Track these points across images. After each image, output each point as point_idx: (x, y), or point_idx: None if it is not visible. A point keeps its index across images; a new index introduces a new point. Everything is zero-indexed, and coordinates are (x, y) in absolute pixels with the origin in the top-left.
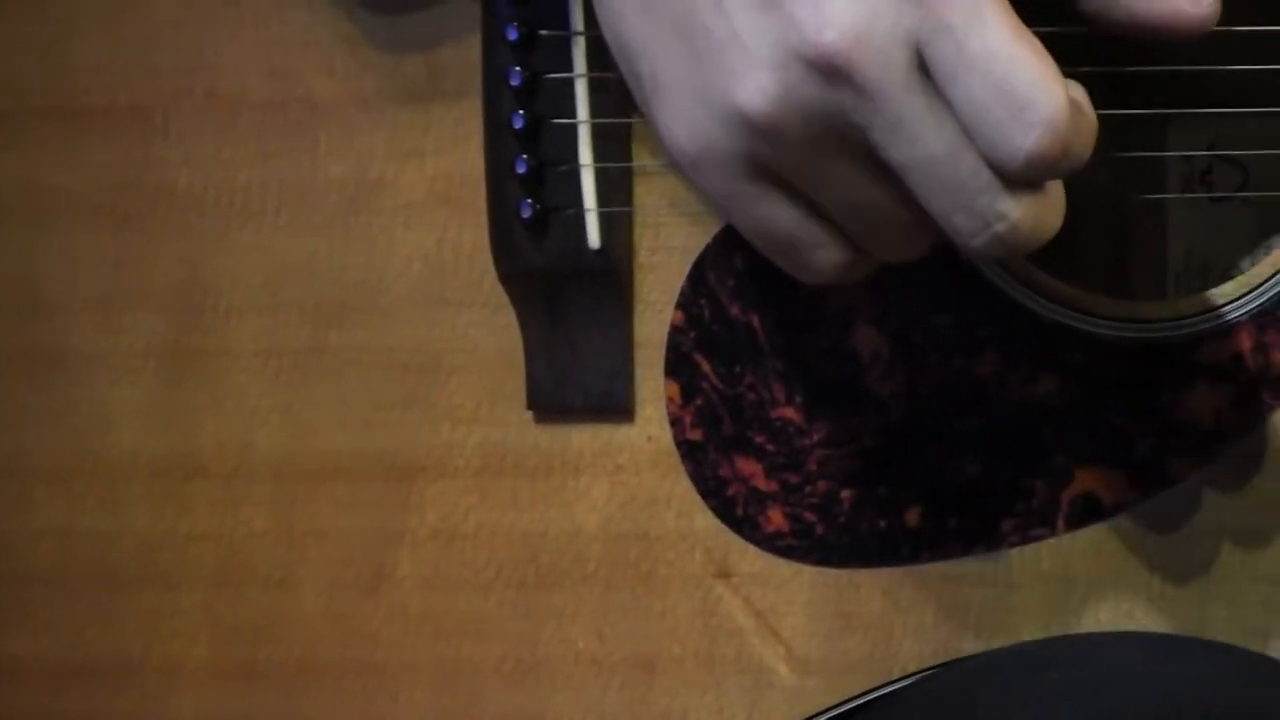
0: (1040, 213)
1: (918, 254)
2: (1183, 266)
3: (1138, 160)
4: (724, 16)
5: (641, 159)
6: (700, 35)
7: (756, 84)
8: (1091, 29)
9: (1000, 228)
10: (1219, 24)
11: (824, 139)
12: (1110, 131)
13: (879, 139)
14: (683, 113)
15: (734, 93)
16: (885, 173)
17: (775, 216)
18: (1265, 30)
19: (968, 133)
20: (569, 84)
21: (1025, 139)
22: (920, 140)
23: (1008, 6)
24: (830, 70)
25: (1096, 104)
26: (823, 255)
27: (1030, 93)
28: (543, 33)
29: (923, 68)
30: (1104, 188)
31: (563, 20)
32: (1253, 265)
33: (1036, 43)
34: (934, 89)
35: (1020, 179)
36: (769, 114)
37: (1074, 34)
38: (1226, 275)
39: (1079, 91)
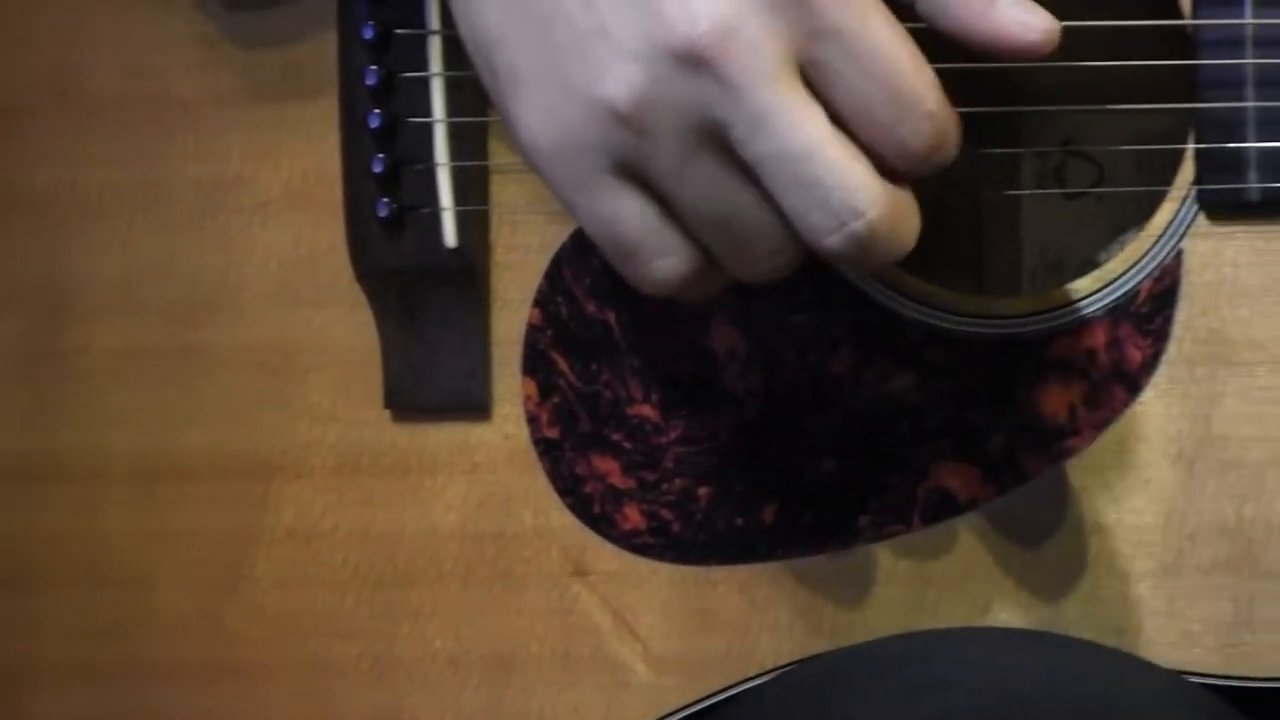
0: (897, 217)
1: (771, 273)
2: (1038, 262)
3: (993, 157)
4: (591, 9)
5: (498, 157)
6: (565, 27)
7: (623, 75)
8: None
9: (857, 226)
10: (1072, 19)
11: (687, 133)
12: (966, 129)
13: (740, 134)
14: (541, 104)
15: (600, 83)
16: (746, 176)
17: (626, 215)
18: (1116, 25)
19: (852, 131)
20: (425, 83)
21: (916, 136)
22: (781, 135)
23: (887, 10)
24: (697, 63)
25: (953, 101)
26: (668, 264)
27: (916, 91)
28: (398, 31)
29: (796, 65)
30: (960, 185)
31: (419, 19)
32: (1107, 260)
33: (914, 43)
34: (802, 85)
35: (905, 174)
36: (633, 105)
37: (930, 32)
38: (1081, 271)
39: None
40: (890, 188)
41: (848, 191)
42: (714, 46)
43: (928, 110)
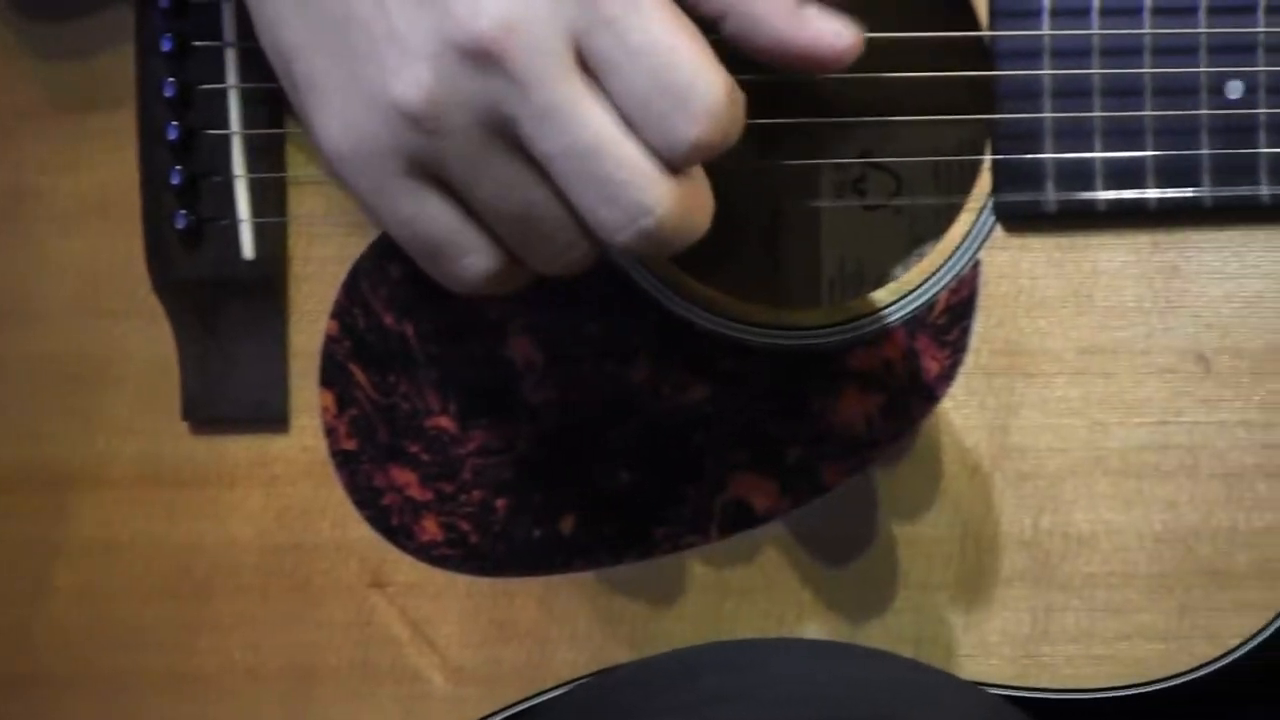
0: (687, 208)
1: (571, 266)
2: (837, 274)
3: (792, 168)
4: (382, 11)
5: (296, 169)
6: (358, 31)
7: (413, 75)
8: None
9: (647, 222)
10: (870, 31)
11: (479, 131)
12: (766, 140)
13: (529, 130)
14: (338, 110)
15: (391, 86)
16: (540, 171)
17: (428, 217)
18: (914, 37)
19: (629, 123)
20: (222, 95)
21: (689, 128)
22: (568, 131)
23: (669, 2)
24: (483, 58)
25: (752, 113)
26: (473, 262)
27: (692, 82)
28: (196, 44)
29: (579, 59)
30: (759, 196)
31: (216, 31)
32: (905, 272)
33: (696, 31)
34: (588, 80)
35: (681, 166)
36: (425, 105)
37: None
38: (880, 282)
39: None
40: (679, 179)
41: (637, 188)
42: (499, 41)
43: (705, 104)
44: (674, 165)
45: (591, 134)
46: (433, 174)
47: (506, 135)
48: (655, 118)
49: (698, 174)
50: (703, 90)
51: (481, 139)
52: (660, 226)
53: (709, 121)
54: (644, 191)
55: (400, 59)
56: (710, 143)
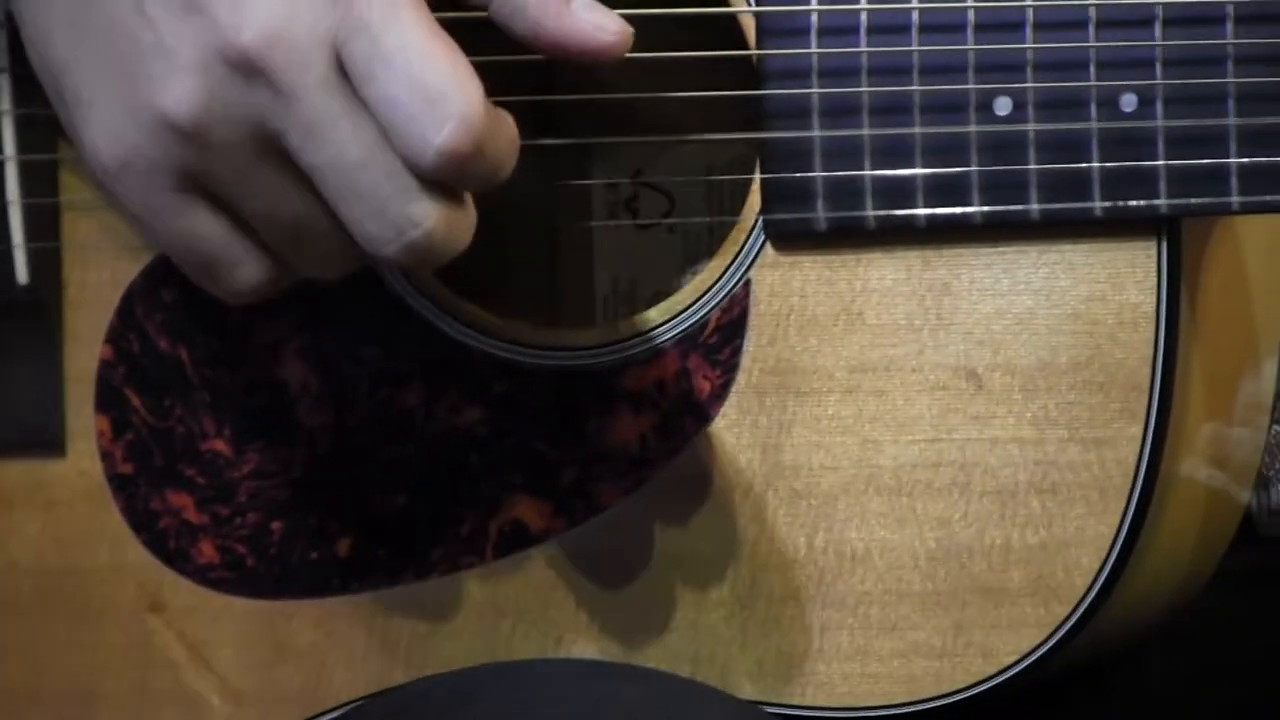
0: (453, 223)
1: (342, 271)
2: (611, 293)
3: (565, 188)
4: (148, 24)
5: (70, 194)
6: (126, 45)
7: (180, 88)
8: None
9: (413, 235)
10: (640, 51)
11: (247, 143)
12: (539, 160)
13: (295, 142)
14: (107, 124)
15: (158, 99)
16: (308, 182)
17: (198, 230)
18: (685, 56)
19: (384, 132)
20: None
21: (438, 133)
22: (334, 143)
23: (425, 9)
24: (249, 70)
25: (526, 133)
26: (245, 272)
27: (443, 88)
28: None
29: (343, 71)
30: (534, 216)
31: None
32: (678, 291)
33: (452, 43)
34: (351, 92)
35: (434, 176)
36: (192, 118)
37: (504, 63)
38: (654, 302)
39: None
40: (445, 193)
41: (403, 202)
42: (264, 53)
43: (455, 110)
44: (427, 172)
45: (357, 147)
46: (202, 186)
47: (274, 148)
48: (406, 122)
49: (461, 191)
50: (453, 96)
51: (249, 152)
52: (427, 240)
53: (459, 127)
54: (410, 205)
55: (167, 72)
56: (460, 150)
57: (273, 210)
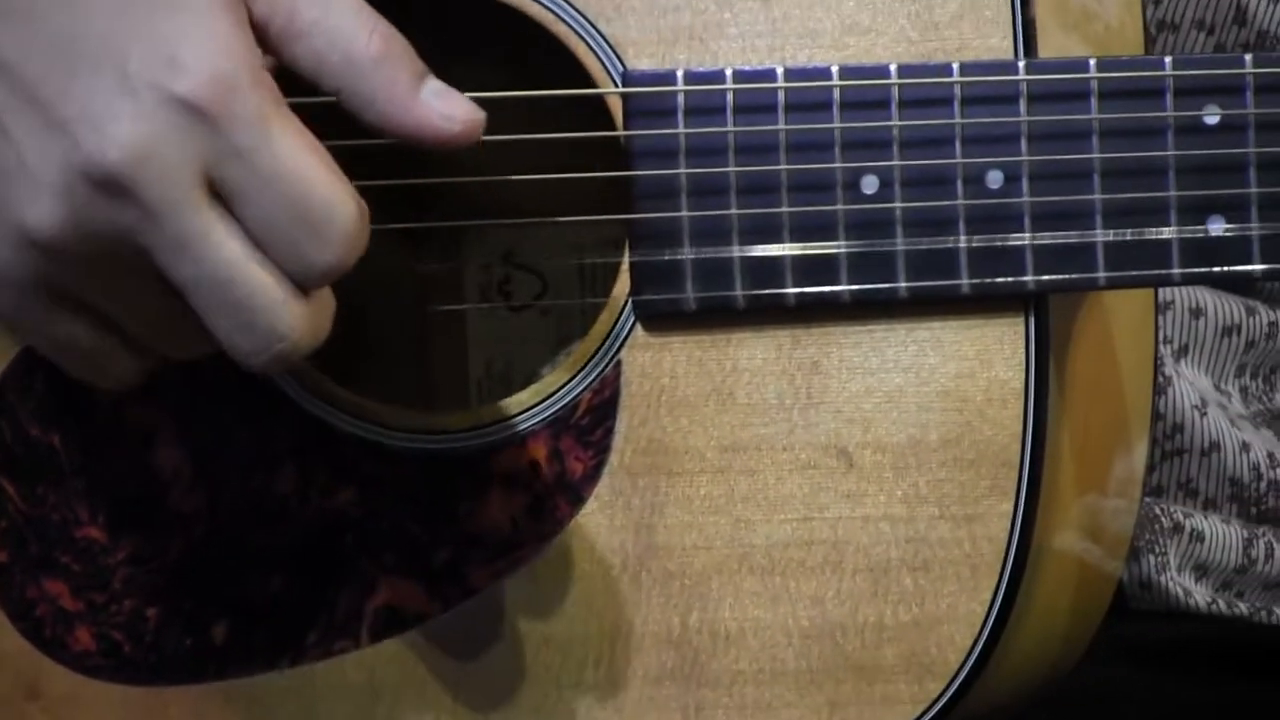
0: (318, 323)
1: (215, 349)
2: (484, 375)
3: (438, 271)
4: (10, 142)
5: None
6: None
7: (44, 207)
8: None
9: (281, 347)
10: (508, 132)
11: (113, 258)
12: (409, 243)
13: (163, 259)
14: None
15: (22, 217)
16: (176, 293)
17: (70, 335)
18: (551, 138)
19: (263, 249)
20: None
21: (322, 254)
22: (202, 262)
23: (295, 120)
24: (114, 189)
25: (393, 217)
26: (120, 369)
27: (327, 210)
28: None
29: (212, 188)
30: (405, 300)
31: None
32: (551, 373)
33: (326, 154)
34: (219, 209)
35: (314, 288)
36: (56, 236)
37: (368, 147)
38: (528, 383)
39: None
40: (308, 301)
41: (271, 315)
42: (130, 172)
43: (341, 231)
44: (307, 288)
45: (225, 264)
46: (73, 295)
47: (142, 262)
48: (288, 245)
49: (323, 291)
50: (336, 217)
51: (116, 267)
52: (294, 349)
53: (343, 246)
54: (278, 319)
55: (32, 191)
56: (344, 265)
57: (142, 315)
